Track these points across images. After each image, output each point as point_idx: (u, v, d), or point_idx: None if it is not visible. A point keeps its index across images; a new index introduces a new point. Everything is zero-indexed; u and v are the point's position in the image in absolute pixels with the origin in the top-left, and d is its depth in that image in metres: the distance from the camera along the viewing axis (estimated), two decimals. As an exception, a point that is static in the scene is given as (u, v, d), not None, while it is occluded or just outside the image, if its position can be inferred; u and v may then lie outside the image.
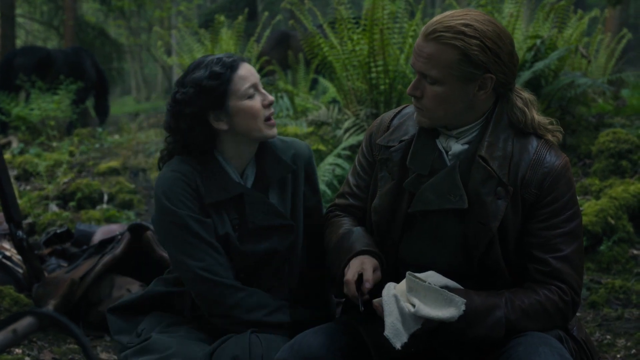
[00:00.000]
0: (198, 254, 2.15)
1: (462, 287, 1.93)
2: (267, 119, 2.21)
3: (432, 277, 1.91)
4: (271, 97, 2.21)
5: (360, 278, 1.98)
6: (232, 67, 2.17)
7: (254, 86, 2.19)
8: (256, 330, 2.14)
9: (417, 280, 1.88)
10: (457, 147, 2.00)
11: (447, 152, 2.02)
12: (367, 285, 1.96)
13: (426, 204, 2.00)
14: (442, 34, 1.90)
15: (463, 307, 1.83)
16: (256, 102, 2.18)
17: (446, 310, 1.83)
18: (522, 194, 1.94)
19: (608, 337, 3.34)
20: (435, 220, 2.02)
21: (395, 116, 2.18)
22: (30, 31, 22.15)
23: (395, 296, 1.88)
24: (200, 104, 2.16)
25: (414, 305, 1.85)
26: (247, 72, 2.19)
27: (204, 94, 2.15)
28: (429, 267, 2.02)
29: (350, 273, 1.99)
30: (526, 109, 2.00)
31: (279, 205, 2.26)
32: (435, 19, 1.95)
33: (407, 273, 1.90)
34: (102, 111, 10.90)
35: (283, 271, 2.29)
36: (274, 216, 2.24)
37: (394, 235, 2.08)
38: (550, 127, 2.02)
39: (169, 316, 2.31)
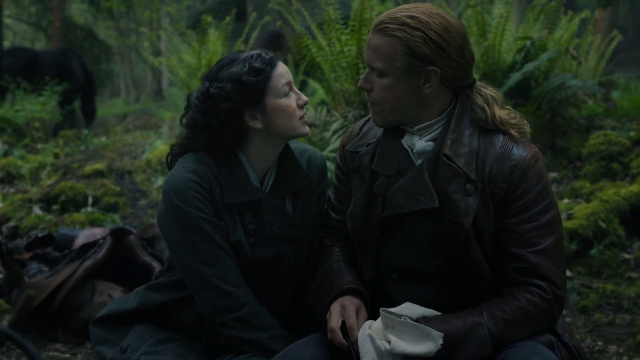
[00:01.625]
0: (209, 259, 2.05)
1: (439, 313, 1.88)
2: (301, 118, 2.14)
3: (408, 309, 1.86)
4: (305, 98, 2.15)
5: (344, 324, 1.92)
6: (272, 63, 2.11)
7: (289, 84, 2.13)
8: (252, 355, 2.05)
9: (392, 316, 1.83)
10: (420, 144, 1.96)
11: (412, 150, 1.98)
12: (353, 333, 1.89)
13: (397, 208, 1.95)
14: (387, 25, 1.90)
15: (440, 341, 1.78)
16: (292, 101, 2.12)
17: (424, 345, 1.78)
18: (491, 189, 1.90)
19: (599, 343, 3.29)
20: (410, 223, 1.97)
21: (365, 123, 2.16)
22: (18, 32, 22.05)
23: (370, 336, 1.84)
24: (237, 99, 2.07)
25: (390, 342, 1.80)
26: (284, 70, 2.13)
27: (243, 89, 2.07)
28: (410, 271, 1.99)
29: (334, 320, 1.93)
30: (486, 106, 1.95)
31: (292, 215, 2.19)
32: (387, 11, 1.95)
33: (381, 310, 1.85)
34: (89, 113, 10.84)
35: (287, 281, 2.21)
36: (289, 226, 2.17)
37: (370, 240, 2.03)
38: (513, 122, 1.97)
39: (159, 330, 2.20)
